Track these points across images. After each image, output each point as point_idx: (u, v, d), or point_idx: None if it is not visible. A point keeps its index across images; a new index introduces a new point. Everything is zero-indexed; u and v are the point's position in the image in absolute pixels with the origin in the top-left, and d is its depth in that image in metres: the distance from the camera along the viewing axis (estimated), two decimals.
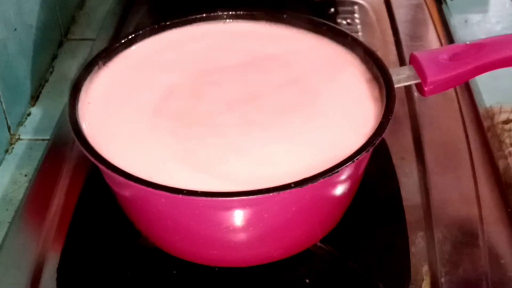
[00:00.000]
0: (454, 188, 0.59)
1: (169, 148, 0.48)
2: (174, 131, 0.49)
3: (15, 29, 0.70)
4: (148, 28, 0.58)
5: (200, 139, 0.48)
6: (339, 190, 0.48)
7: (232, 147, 0.48)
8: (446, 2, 0.88)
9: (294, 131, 0.49)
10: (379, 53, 0.54)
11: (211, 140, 0.48)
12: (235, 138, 0.48)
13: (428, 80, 0.51)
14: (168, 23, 0.58)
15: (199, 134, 0.49)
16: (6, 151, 0.68)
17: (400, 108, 0.67)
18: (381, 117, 0.47)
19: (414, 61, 0.52)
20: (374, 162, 0.50)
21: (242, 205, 0.44)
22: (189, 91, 0.53)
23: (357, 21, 0.81)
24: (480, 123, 0.67)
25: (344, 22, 0.76)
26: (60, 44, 0.84)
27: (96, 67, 0.54)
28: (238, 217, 0.45)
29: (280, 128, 0.49)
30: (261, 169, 0.46)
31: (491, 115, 0.74)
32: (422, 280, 0.51)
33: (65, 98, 0.69)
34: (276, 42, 0.58)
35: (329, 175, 0.43)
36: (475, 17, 0.92)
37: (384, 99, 0.49)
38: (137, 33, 0.57)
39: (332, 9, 0.79)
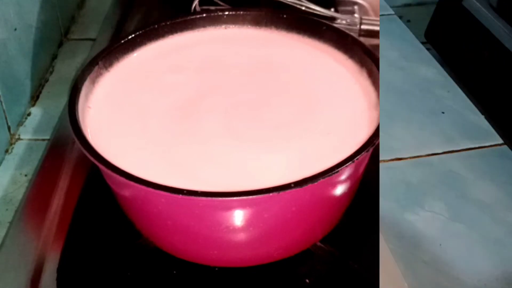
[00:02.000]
0: None
1: (158, 150, 0.48)
2: (166, 134, 0.50)
3: (15, 29, 0.70)
4: (147, 31, 0.58)
5: (187, 146, 0.48)
6: (339, 190, 0.48)
7: (211, 156, 0.48)
8: None
9: (287, 142, 0.49)
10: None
11: (196, 147, 0.48)
12: (218, 148, 0.48)
13: None
14: (168, 23, 0.58)
15: (188, 140, 0.49)
16: (6, 151, 0.68)
17: None
18: None
19: None
20: (374, 162, 0.50)
21: (242, 205, 0.44)
22: (188, 97, 0.53)
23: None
24: None
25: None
26: (60, 44, 0.84)
27: (97, 69, 0.54)
28: (238, 217, 0.45)
29: (271, 138, 0.49)
30: (237, 180, 0.45)
31: None
32: None
33: (65, 98, 0.69)
34: (277, 46, 0.58)
35: (329, 175, 0.43)
36: None
37: None
38: (137, 33, 0.57)
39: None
